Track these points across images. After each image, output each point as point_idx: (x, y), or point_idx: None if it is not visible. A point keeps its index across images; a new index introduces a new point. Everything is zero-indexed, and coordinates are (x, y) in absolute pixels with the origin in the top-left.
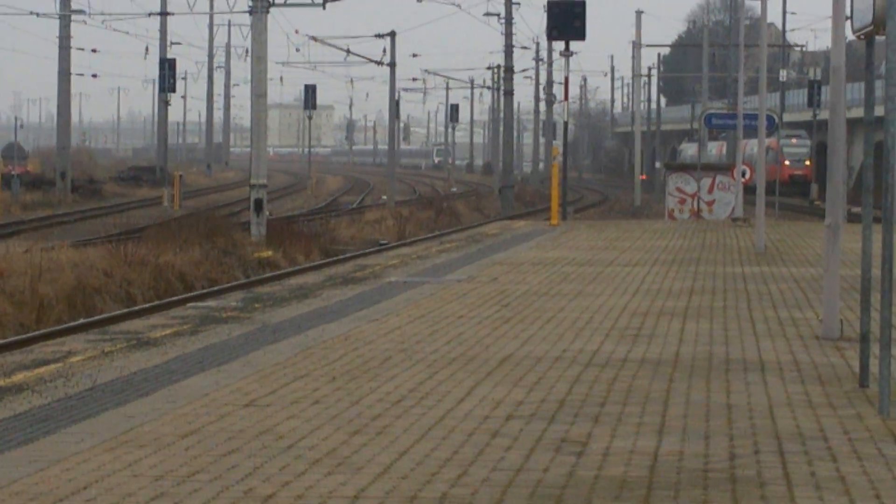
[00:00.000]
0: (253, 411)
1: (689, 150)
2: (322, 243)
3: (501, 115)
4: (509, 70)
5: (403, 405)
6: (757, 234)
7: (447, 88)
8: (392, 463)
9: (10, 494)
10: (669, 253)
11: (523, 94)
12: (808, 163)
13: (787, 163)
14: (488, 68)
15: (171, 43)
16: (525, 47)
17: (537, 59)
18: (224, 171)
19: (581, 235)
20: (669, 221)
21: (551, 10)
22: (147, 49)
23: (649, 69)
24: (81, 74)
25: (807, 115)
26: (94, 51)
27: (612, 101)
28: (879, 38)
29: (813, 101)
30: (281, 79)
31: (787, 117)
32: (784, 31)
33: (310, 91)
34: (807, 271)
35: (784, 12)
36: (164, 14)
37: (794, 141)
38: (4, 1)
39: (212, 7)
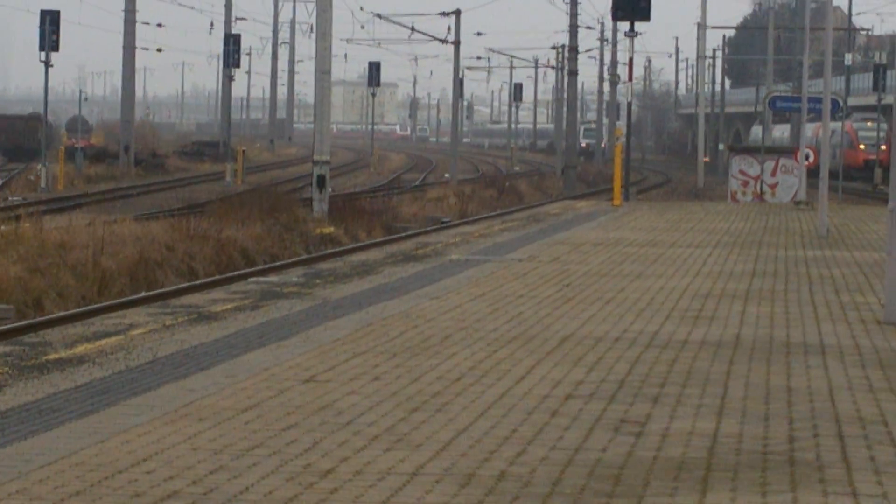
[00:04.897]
0: (312, 387)
1: (760, 133)
2: (384, 220)
3: (565, 94)
4: (573, 50)
5: (463, 383)
6: (819, 217)
7: (511, 67)
8: (451, 440)
9: (71, 465)
10: (731, 235)
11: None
12: (883, 147)
13: (862, 147)
14: (553, 48)
15: (236, 18)
16: (590, 27)
17: (602, 40)
18: (287, 146)
19: (643, 216)
20: (732, 204)
21: None
22: (212, 24)
23: (714, 51)
24: (146, 49)
25: (871, 100)
26: (159, 25)
27: (677, 82)
28: None
29: (878, 86)
30: (345, 56)
31: (851, 101)
32: (850, 14)
33: (374, 68)
34: (869, 255)
35: None
36: None
37: (869, 124)
38: None
39: None
